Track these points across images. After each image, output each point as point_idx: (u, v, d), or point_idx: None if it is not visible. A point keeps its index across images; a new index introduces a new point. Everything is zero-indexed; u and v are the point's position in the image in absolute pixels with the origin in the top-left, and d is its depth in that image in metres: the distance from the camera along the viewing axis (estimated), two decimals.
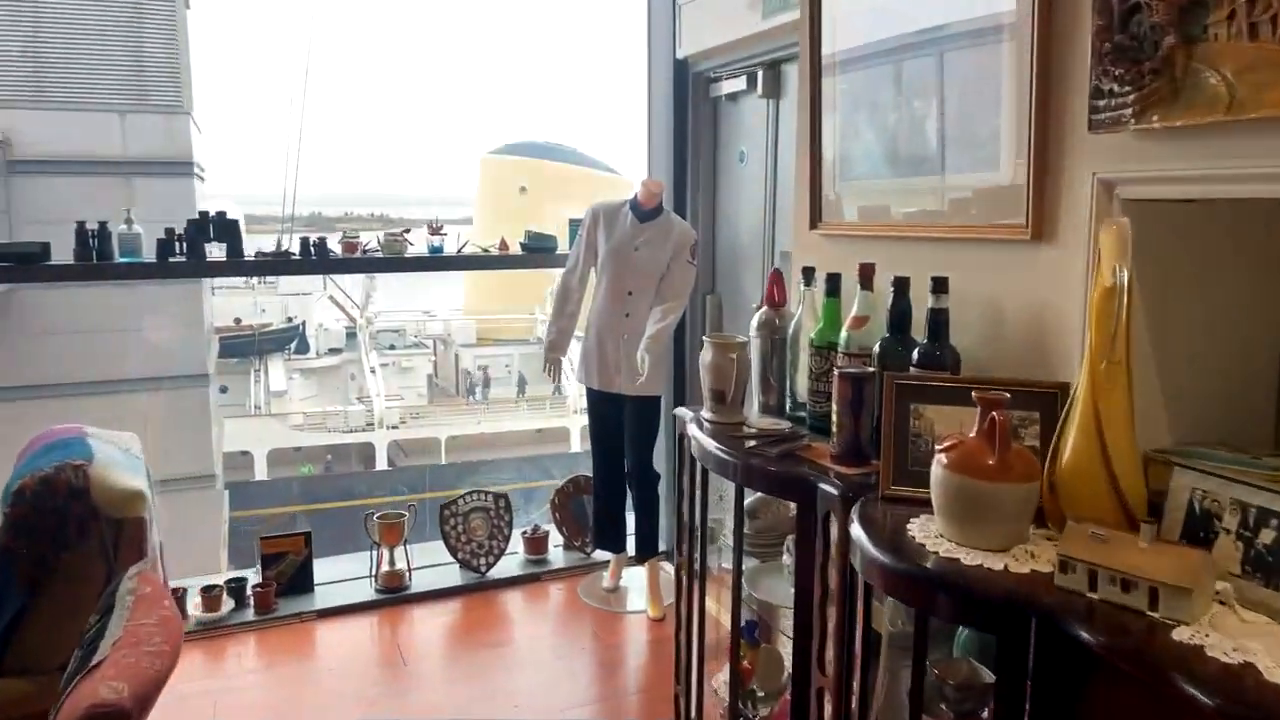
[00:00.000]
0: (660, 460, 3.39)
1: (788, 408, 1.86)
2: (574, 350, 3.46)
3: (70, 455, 1.78)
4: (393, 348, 26.40)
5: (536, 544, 3.68)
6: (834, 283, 1.69)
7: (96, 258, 2.94)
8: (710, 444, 1.72)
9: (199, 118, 14.94)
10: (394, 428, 23.40)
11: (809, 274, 1.79)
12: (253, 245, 3.15)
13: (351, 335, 25.61)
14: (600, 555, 3.60)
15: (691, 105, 3.59)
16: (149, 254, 3.01)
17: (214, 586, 3.26)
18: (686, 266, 3.23)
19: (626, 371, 3.20)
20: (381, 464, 23.00)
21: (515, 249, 3.55)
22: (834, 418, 1.48)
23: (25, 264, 2.85)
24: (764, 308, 1.86)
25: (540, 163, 27.27)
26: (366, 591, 3.44)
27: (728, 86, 3.45)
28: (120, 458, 1.88)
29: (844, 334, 1.60)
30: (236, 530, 17.77)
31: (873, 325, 1.56)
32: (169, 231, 2.99)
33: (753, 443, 1.64)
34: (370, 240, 3.16)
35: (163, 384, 12.79)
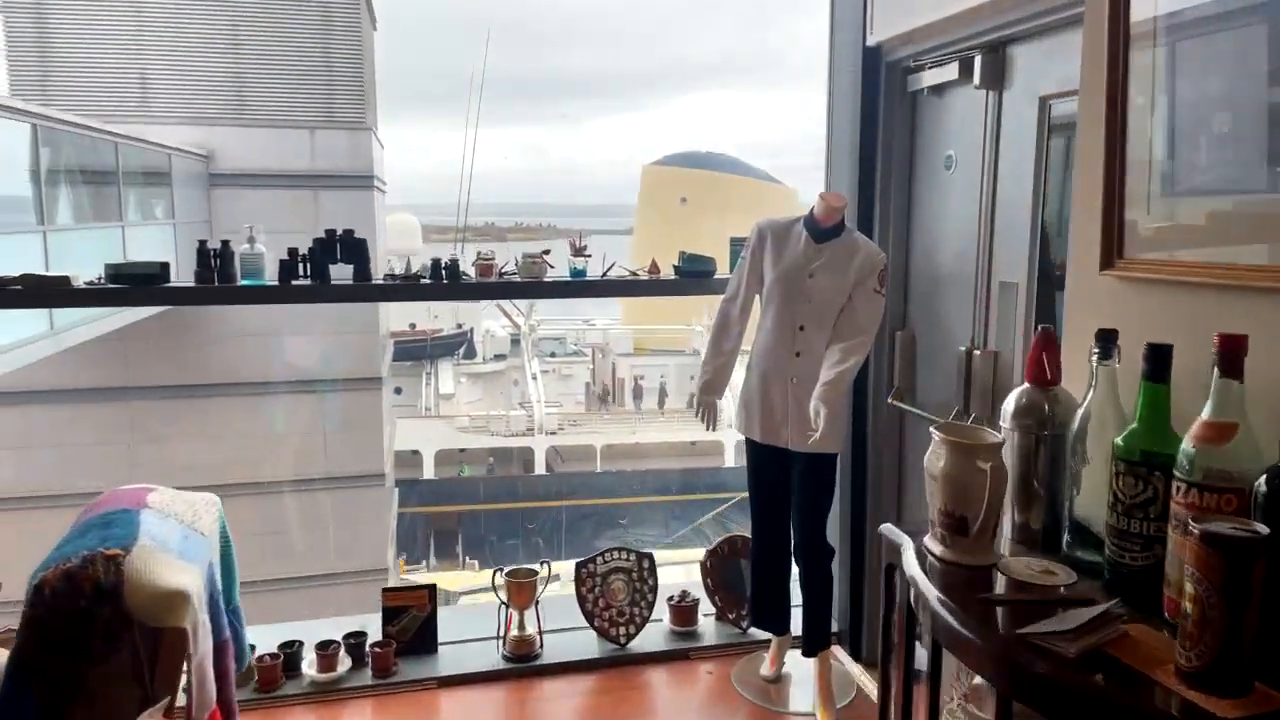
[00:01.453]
0: (835, 530, 2.82)
1: (1065, 542, 1.24)
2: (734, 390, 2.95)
3: (108, 539, 1.44)
4: (553, 355, 26.84)
5: (684, 613, 3.18)
6: (1162, 360, 1.08)
7: (219, 279, 2.70)
8: (945, 610, 1.12)
9: (381, 133, 15.60)
10: (552, 434, 23.71)
11: (1108, 341, 1.17)
12: (429, 255, 2.84)
13: (515, 342, 26.24)
14: (758, 633, 3.06)
15: (884, 102, 2.98)
16: (273, 273, 2.75)
17: (330, 643, 2.96)
18: (873, 296, 2.65)
19: (795, 423, 2.64)
20: (540, 469, 23.35)
21: (667, 270, 3.07)
22: (1185, 604, 0.88)
23: (143, 285, 2.65)
24: (1027, 385, 1.27)
25: (701, 173, 26.97)
26: (493, 657, 3.05)
27: (932, 77, 2.83)
28: (174, 540, 1.53)
29: (1187, 448, 0.99)
30: (404, 526, 18.48)
31: (1243, 440, 0.95)
32: (291, 252, 2.71)
33: (1027, 623, 1.04)
34: (507, 262, 2.77)
35: (340, 385, 13.34)
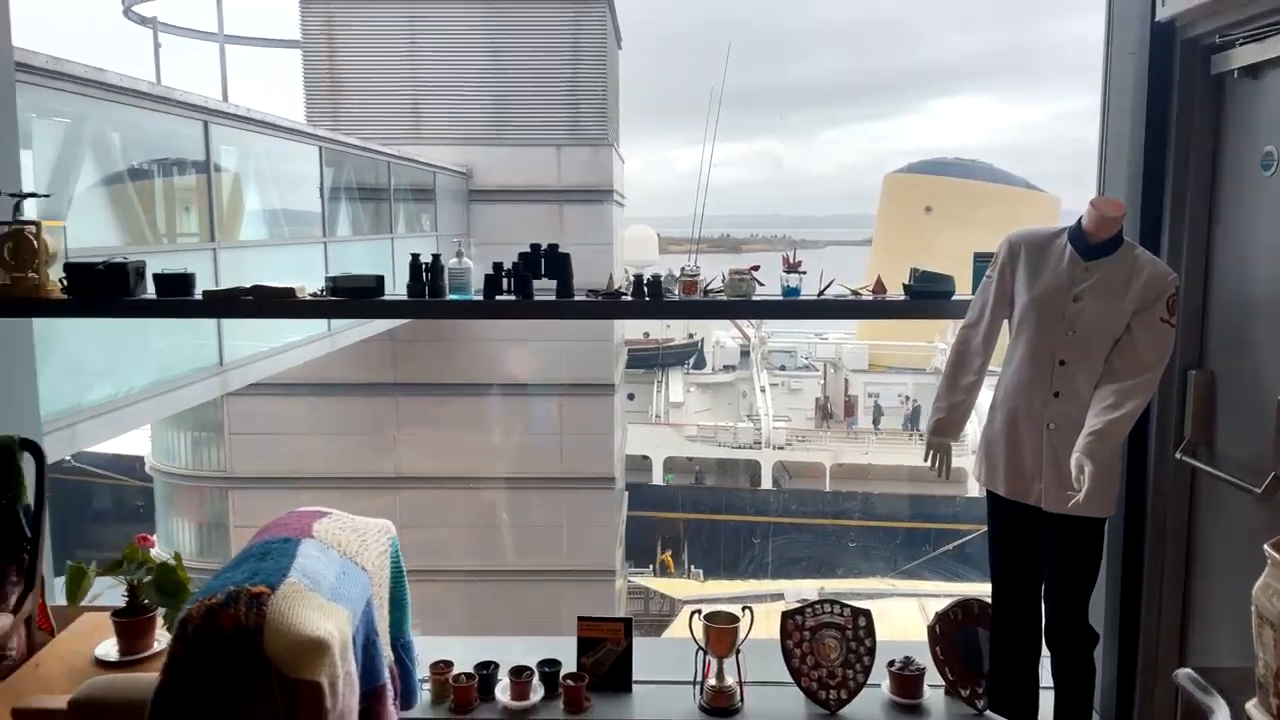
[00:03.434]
0: (1098, 611, 2.31)
1: None
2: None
3: (259, 573, 1.36)
4: (783, 368, 26.39)
5: (907, 683, 2.77)
6: None
7: (429, 292, 2.70)
8: None
9: (622, 148, 16.05)
10: (780, 448, 23.27)
11: None
12: (664, 266, 2.72)
13: (745, 354, 26.09)
14: (996, 718, 2.59)
15: (1178, 88, 2.44)
16: (480, 287, 2.71)
17: (525, 669, 2.88)
18: (1158, 327, 2.14)
19: (1052, 479, 2.19)
20: (766, 483, 22.99)
21: (896, 289, 2.70)
22: None
23: (360, 298, 2.69)
24: None
25: (949, 180, 25.39)
26: (690, 705, 2.82)
27: (1246, 55, 2.27)
28: (329, 577, 1.44)
29: None
30: (633, 529, 18.90)
31: None
32: (496, 267, 2.65)
33: None
34: (714, 279, 2.55)
35: (574, 390, 13.85)
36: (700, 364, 26.45)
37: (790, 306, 2.50)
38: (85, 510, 19.11)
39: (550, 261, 2.69)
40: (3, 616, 1.98)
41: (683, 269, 2.55)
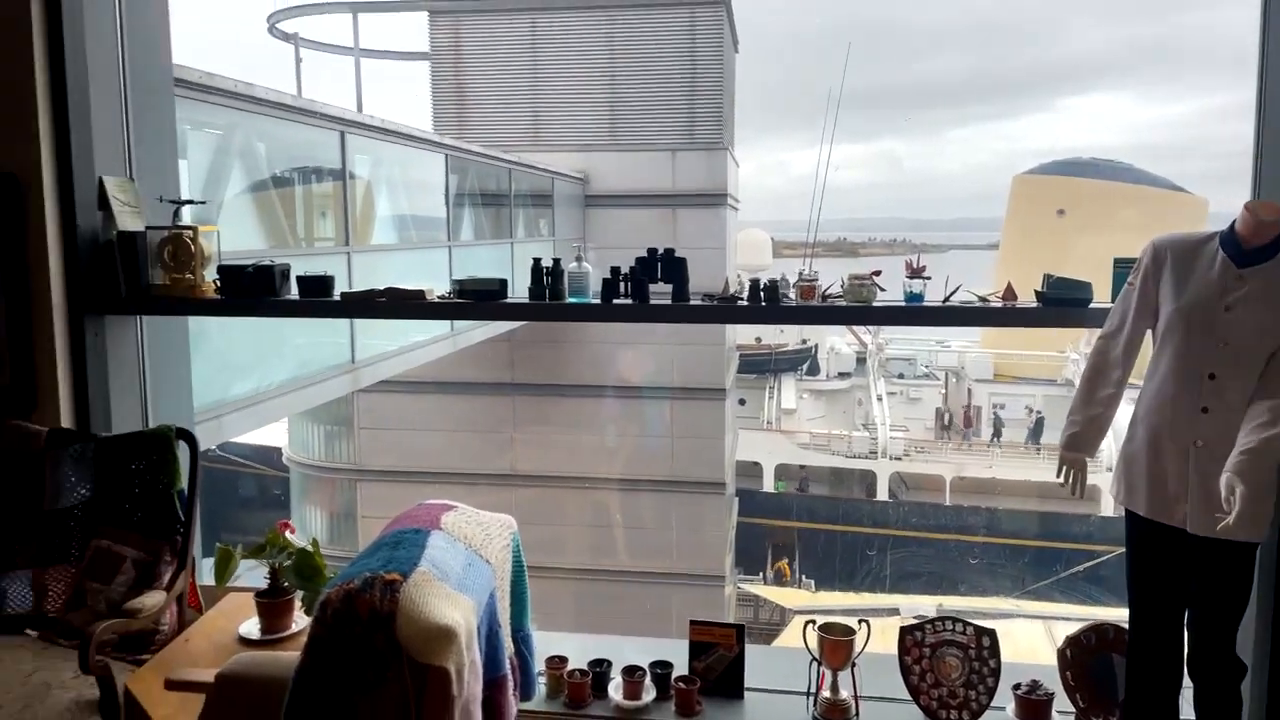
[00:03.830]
0: (1246, 641, 2.15)
1: None
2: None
3: (392, 561, 1.43)
4: (901, 376, 25.64)
5: (1034, 709, 2.64)
6: None
7: (549, 295, 2.77)
8: None
9: (737, 151, 16.00)
10: (897, 459, 22.62)
11: None
12: (778, 271, 2.72)
13: (861, 361, 25.50)
14: None
15: None
16: (598, 290, 2.76)
17: (637, 669, 2.90)
18: None
19: (1199, 500, 2.05)
20: (882, 494, 22.39)
21: (1027, 295, 2.58)
22: None
23: (485, 300, 2.79)
24: None
25: (1084, 181, 24.09)
26: (802, 716, 2.77)
27: None
28: (456, 568, 1.49)
29: None
30: (743, 535, 18.77)
31: None
32: (614, 271, 2.69)
33: None
34: (832, 283, 2.51)
35: (685, 394, 13.89)
36: (814, 370, 25.99)
37: (913, 313, 2.43)
38: (230, 497, 20.46)
39: (666, 265, 2.70)
40: (157, 594, 2.14)
41: (799, 273, 2.52)
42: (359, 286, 2.76)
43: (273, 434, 16.45)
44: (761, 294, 2.52)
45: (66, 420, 2.49)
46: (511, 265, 10.38)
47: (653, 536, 13.77)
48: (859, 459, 22.94)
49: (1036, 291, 2.51)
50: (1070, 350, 21.91)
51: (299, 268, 2.77)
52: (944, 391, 25.27)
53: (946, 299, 2.43)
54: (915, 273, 2.39)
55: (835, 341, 26.10)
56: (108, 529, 2.29)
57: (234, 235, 5.79)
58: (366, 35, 15.39)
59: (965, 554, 20.00)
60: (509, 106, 14.40)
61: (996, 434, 22.73)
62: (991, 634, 2.71)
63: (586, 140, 14.26)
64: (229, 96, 5.02)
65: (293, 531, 2.42)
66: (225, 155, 5.71)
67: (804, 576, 20.75)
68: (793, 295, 2.54)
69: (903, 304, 2.44)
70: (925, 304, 2.42)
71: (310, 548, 2.26)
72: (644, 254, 2.71)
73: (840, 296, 2.49)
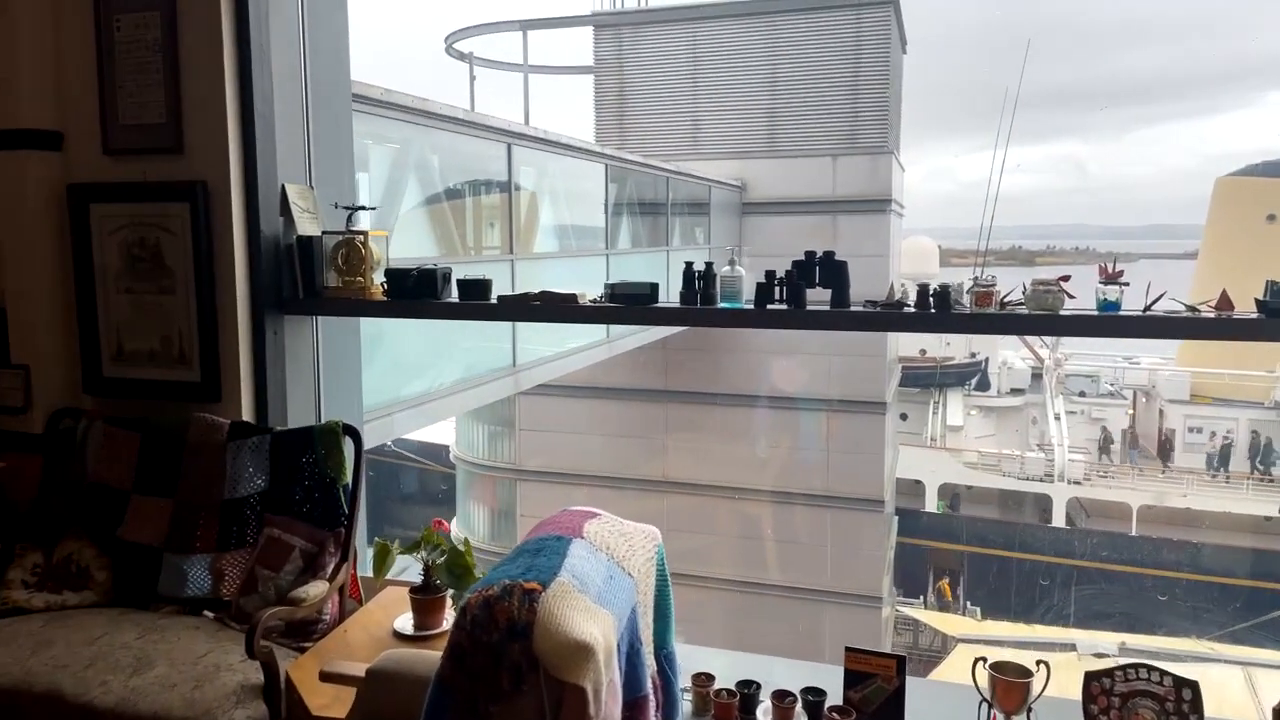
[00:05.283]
0: None
1: None
2: None
3: (533, 569, 1.39)
4: (1083, 394, 23.79)
5: None
6: None
7: (700, 300, 2.69)
8: None
9: (904, 156, 15.41)
10: (1076, 483, 21.03)
11: None
12: (946, 279, 2.55)
13: (1037, 376, 23.90)
14: None
15: None
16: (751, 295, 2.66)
17: (787, 694, 2.76)
18: None
19: None
20: (1058, 520, 20.87)
21: (1246, 305, 2.26)
22: None
23: (634, 304, 2.75)
24: None
25: None
26: None
27: None
28: (597, 580, 1.43)
29: None
30: (902, 556, 17.98)
31: None
32: (769, 275, 2.58)
33: None
34: (1013, 290, 2.29)
35: (844, 407, 13.47)
36: (983, 386, 24.57)
37: (1110, 323, 2.17)
38: (396, 490, 21.69)
39: (825, 269, 2.56)
40: (320, 584, 2.22)
41: (975, 278, 2.31)
42: (519, 291, 2.78)
43: (442, 432, 17.30)
44: (931, 300, 2.34)
45: (247, 414, 2.64)
46: (667, 272, 10.42)
47: (806, 552, 13.42)
48: (1033, 481, 21.49)
49: (1258, 300, 2.19)
50: None
51: (467, 274, 2.83)
52: (1131, 412, 23.29)
53: (1147, 308, 2.16)
54: (1111, 278, 2.14)
55: (1008, 355, 24.60)
56: (279, 519, 2.41)
57: (409, 244, 6.10)
58: (536, 52, 15.91)
59: (1160, 591, 18.28)
60: (669, 116, 14.51)
61: (1222, 462, 20.57)
62: (1194, 686, 2.38)
63: (745, 147, 14.14)
64: (403, 110, 5.29)
65: (448, 529, 2.46)
66: (402, 168, 6.01)
67: (969, 603, 19.63)
68: (966, 301, 2.34)
69: (1095, 313, 2.19)
70: (1123, 313, 2.16)
71: (462, 546, 2.28)
72: (801, 257, 2.58)
73: (1021, 304, 2.27)
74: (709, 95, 14.35)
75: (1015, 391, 24.37)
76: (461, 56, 17.09)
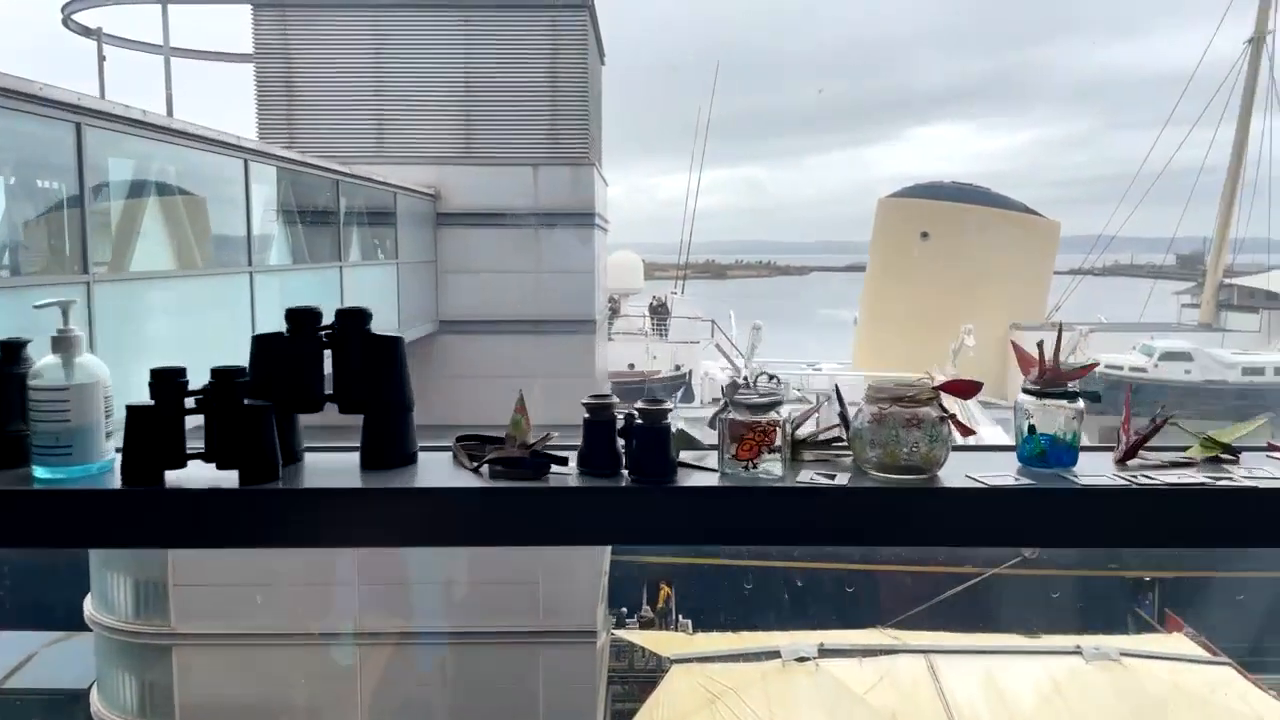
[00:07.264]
0: None
1: None
2: None
3: None
4: None
5: None
6: None
7: None
8: None
9: (608, 174, 14.90)
10: None
11: None
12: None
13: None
14: None
15: None
16: None
17: None
18: None
19: None
20: None
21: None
22: None
23: None
24: None
25: (946, 205, 24.43)
26: None
27: None
28: None
29: None
30: (617, 573, 17.40)
31: None
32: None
33: None
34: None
35: (554, 429, 12.57)
36: (688, 398, 25.30)
37: None
38: None
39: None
40: None
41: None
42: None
43: None
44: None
45: None
46: (340, 292, 8.85)
47: (513, 589, 12.35)
48: None
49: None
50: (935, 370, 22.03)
51: None
52: (817, 415, 25.03)
53: None
54: None
55: (709, 366, 25.52)
56: None
57: None
58: (186, 33, 13.43)
59: (847, 584, 19.40)
60: (347, 114, 12.81)
61: None
62: None
63: (438, 152, 12.83)
64: None
65: None
66: None
67: (680, 616, 19.67)
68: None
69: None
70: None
71: None
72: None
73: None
74: (396, 92, 12.87)
75: (716, 401, 25.28)
76: (86, 31, 14.05)
